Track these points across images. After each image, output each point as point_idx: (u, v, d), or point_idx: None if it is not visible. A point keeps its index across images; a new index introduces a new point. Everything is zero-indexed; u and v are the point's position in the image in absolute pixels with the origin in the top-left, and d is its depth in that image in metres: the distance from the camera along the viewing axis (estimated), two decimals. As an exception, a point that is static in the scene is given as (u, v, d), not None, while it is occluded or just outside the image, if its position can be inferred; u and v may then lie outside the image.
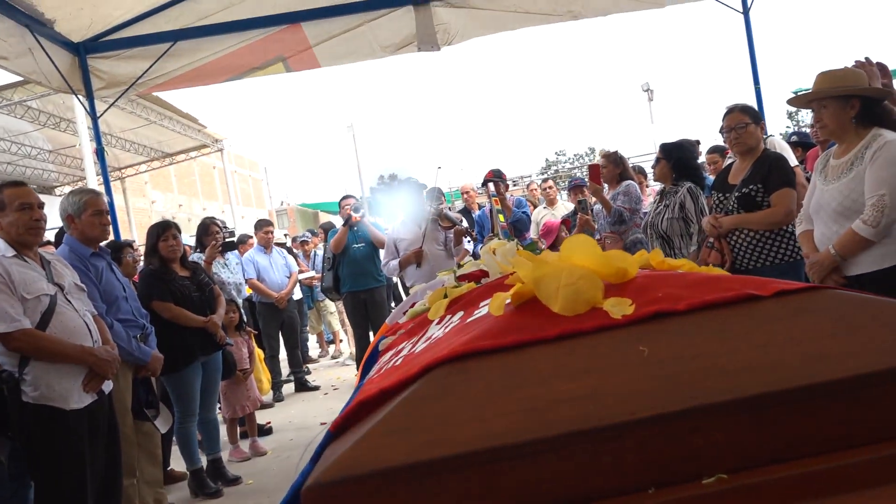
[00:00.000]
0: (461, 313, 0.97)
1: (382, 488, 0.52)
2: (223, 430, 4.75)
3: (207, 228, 5.60)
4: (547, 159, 48.30)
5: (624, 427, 0.52)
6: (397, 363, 0.90)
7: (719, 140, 5.78)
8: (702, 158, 8.16)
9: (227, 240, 6.11)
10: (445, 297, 1.13)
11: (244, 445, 4.91)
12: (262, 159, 38.38)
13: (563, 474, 0.52)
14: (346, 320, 7.87)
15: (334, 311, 8.59)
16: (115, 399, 3.08)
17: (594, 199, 5.40)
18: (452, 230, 5.46)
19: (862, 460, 0.50)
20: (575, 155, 44.92)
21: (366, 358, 1.38)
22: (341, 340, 9.37)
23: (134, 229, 18.77)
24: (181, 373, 3.99)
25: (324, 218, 23.09)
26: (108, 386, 2.86)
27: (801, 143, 6.19)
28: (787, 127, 38.37)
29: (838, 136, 2.68)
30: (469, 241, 5.89)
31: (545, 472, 0.52)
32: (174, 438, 4.44)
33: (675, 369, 0.57)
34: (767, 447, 0.52)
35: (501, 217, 5.32)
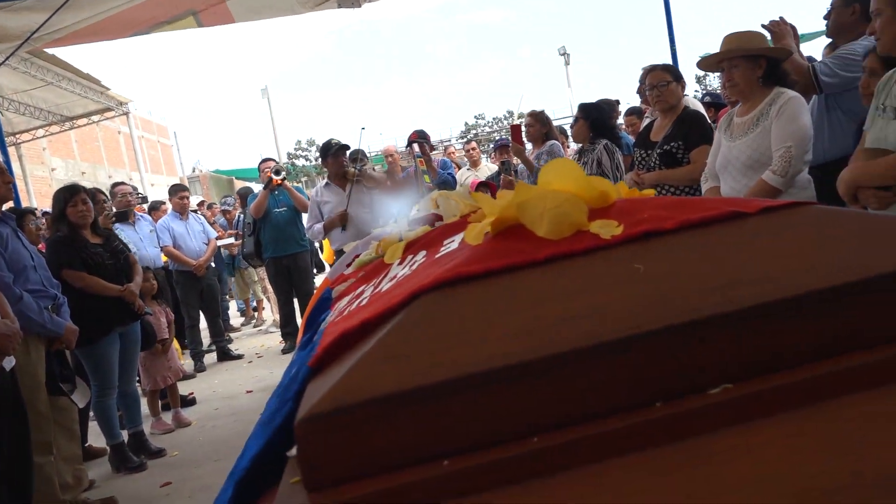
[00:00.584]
0: (424, 252, 0.93)
1: (382, 415, 0.49)
2: (144, 404, 4.58)
3: (94, 197, 5.21)
4: (466, 123, 48.38)
5: (631, 341, 0.51)
6: (363, 303, 0.86)
7: (636, 102, 5.91)
8: (620, 120, 8.35)
9: (119, 210, 5.80)
10: (401, 240, 1.09)
11: (167, 417, 4.75)
12: (171, 124, 36.65)
13: (569, 392, 0.50)
14: (269, 287, 7.68)
15: (257, 279, 8.36)
16: (26, 374, 2.89)
17: (518, 160, 5.44)
18: (378, 190, 5.38)
19: (856, 364, 0.50)
20: (494, 118, 45.15)
21: (309, 311, 1.33)
22: (263, 308, 9.17)
23: (33, 198, 17.57)
24: (97, 344, 3.79)
25: (239, 185, 22.37)
26: (8, 362, 2.66)
27: (713, 103, 6.41)
28: (696, 91, 39.87)
29: (746, 94, 2.78)
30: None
31: (552, 390, 0.50)
32: (91, 413, 4.24)
33: (672, 285, 0.56)
34: (768, 356, 0.52)
35: (427, 178, 5.29)
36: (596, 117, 4.10)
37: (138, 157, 20.05)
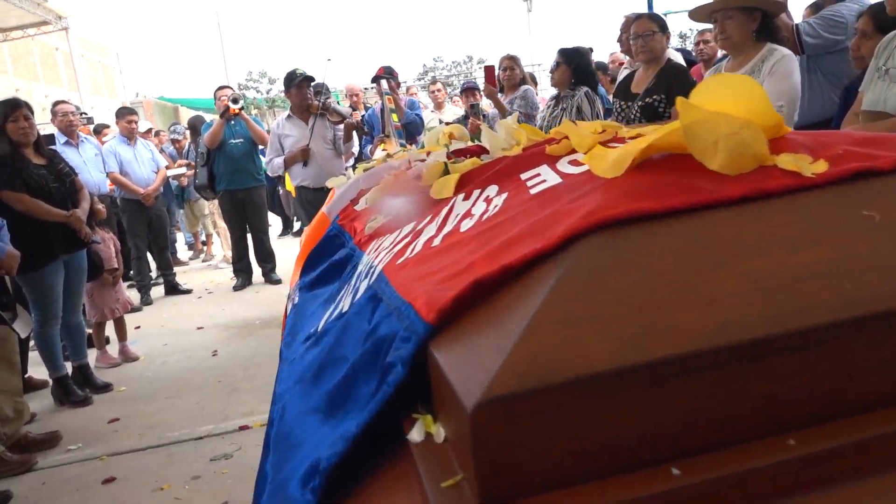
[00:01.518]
0: (496, 187, 0.80)
1: (589, 402, 0.36)
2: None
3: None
4: (424, 65, 47.37)
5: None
6: (438, 244, 0.71)
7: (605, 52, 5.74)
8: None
9: (63, 130, 5.43)
10: (447, 172, 0.96)
11: (112, 351, 4.56)
12: (113, 44, 34.73)
13: (828, 375, 0.39)
14: (219, 222, 7.42)
15: (208, 213, 8.06)
16: (-36, 299, 2.68)
17: (489, 104, 5.29)
18: (343, 125, 5.18)
19: None
20: (453, 62, 44.31)
21: (309, 249, 1.20)
22: (212, 243, 8.89)
23: (-40, 114, 16.46)
24: (40, 272, 3.57)
25: (186, 114, 21.57)
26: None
27: (685, 60, 6.37)
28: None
29: (740, 48, 2.71)
30: (356, 140, 5.63)
31: (805, 375, 0.38)
32: (32, 344, 4.03)
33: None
34: None
35: (395, 116, 5.11)
36: (578, 63, 3.98)
37: (78, 76, 18.92)
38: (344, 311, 0.73)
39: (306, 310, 0.92)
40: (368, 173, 1.34)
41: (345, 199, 1.30)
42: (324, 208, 1.44)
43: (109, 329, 4.59)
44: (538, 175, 0.75)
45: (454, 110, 7.73)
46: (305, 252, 1.24)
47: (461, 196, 0.84)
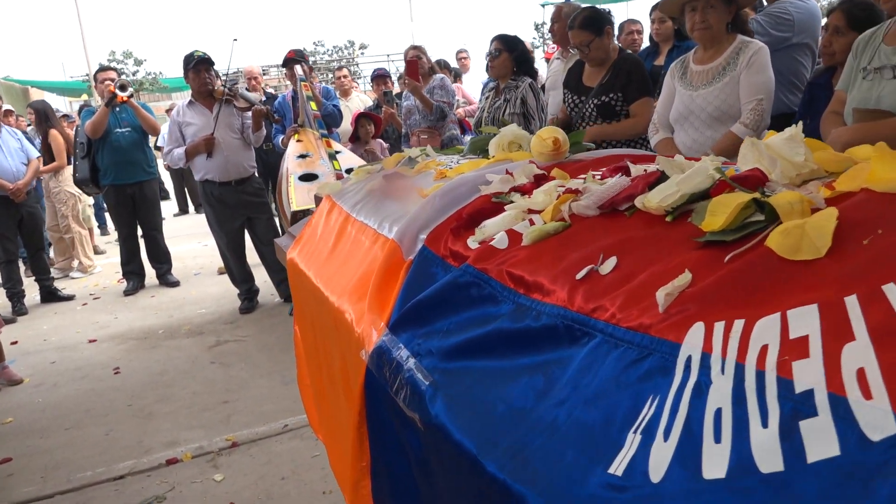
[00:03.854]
0: None
1: None
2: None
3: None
4: (304, 48, 45.85)
5: None
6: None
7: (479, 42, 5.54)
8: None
9: None
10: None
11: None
12: (-52, 16, 31.16)
13: None
14: (72, 224, 6.64)
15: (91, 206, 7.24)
16: None
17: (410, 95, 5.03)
18: (251, 112, 4.74)
19: None
20: (334, 47, 43.20)
21: (401, 284, 0.92)
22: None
23: None
24: None
25: (38, 96, 19.61)
26: None
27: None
28: (534, 38, 40.81)
29: (717, 39, 2.64)
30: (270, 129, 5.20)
31: None
32: None
33: None
34: None
35: (314, 105, 4.74)
36: (521, 51, 3.81)
37: None
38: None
39: (489, 385, 0.65)
40: (452, 189, 1.06)
41: (427, 223, 1.02)
42: (392, 233, 1.11)
43: (-18, 348, 3.95)
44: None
45: (361, 98, 7.40)
46: (380, 286, 0.96)
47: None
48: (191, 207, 10.83)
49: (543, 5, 20.23)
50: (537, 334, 0.65)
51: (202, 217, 9.87)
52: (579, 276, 0.67)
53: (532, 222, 0.86)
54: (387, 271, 1.02)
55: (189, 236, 8.02)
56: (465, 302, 0.79)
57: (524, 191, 0.98)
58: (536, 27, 37.51)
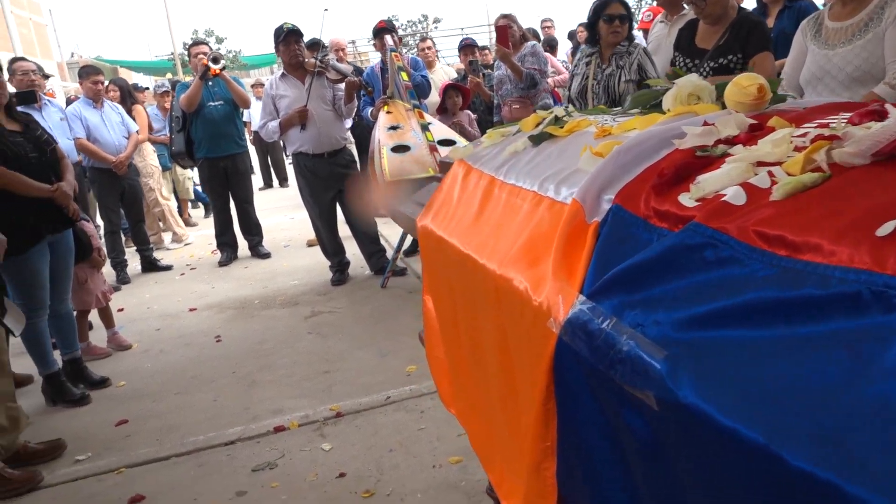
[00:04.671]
0: None
1: None
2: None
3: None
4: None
5: None
6: None
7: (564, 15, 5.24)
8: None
9: (25, 90, 4.80)
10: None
11: (97, 340, 4.09)
12: (45, 0, 32.69)
13: None
14: (160, 199, 6.82)
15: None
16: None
17: (499, 63, 4.89)
18: (344, 84, 4.72)
19: None
20: (408, 21, 43.06)
21: (595, 253, 0.84)
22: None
23: None
24: (24, 256, 3.10)
25: (126, 76, 20.33)
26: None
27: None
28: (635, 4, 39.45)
29: None
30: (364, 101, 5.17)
31: None
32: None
33: None
34: None
35: (405, 75, 4.67)
36: (631, 18, 3.57)
37: (12, 34, 17.53)
38: None
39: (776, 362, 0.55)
40: (637, 145, 0.97)
41: (610, 182, 0.93)
42: (561, 195, 1.03)
43: (92, 315, 4.12)
44: None
45: (445, 69, 7.30)
46: (565, 251, 0.87)
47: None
48: (275, 181, 11.03)
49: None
50: (827, 302, 0.55)
51: (287, 191, 10.15)
52: (881, 232, 0.56)
53: (772, 174, 0.75)
54: (569, 235, 0.93)
55: (276, 209, 8.16)
56: (697, 265, 0.69)
57: (738, 142, 0.87)
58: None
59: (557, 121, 1.39)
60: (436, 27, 35.43)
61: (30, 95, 4.57)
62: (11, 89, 4.83)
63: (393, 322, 3.99)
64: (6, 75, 5.03)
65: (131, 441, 2.91)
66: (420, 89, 4.92)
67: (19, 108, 3.39)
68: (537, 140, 1.34)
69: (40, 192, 3.14)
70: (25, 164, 3.13)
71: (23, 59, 5.34)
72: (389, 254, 5.13)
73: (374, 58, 9.55)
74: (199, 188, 8.21)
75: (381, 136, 4.57)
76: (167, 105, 7.00)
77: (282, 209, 8.29)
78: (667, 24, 4.00)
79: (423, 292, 1.58)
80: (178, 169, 7.54)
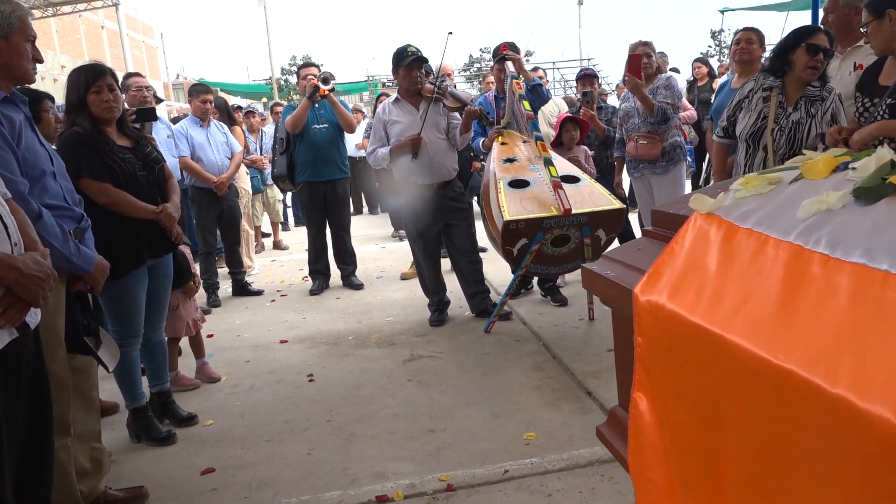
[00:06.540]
0: None
1: None
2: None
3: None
4: (471, 55, 46.51)
5: None
6: None
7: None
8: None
9: (144, 107, 4.69)
10: None
11: (185, 369, 3.86)
12: (157, 24, 34.60)
13: None
14: (244, 223, 6.63)
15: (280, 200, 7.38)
16: (44, 328, 1.97)
17: (634, 97, 4.44)
18: (464, 112, 4.40)
19: None
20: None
21: None
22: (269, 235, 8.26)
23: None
24: (123, 279, 2.87)
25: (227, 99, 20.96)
26: (34, 317, 1.76)
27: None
28: (709, 47, 38.42)
29: None
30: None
31: None
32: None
33: None
34: None
35: (527, 104, 4.32)
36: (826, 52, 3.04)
37: (126, 55, 18.41)
38: None
39: None
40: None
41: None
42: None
43: (182, 341, 3.90)
44: None
45: (557, 102, 6.94)
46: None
47: None
48: (365, 208, 10.90)
49: (722, 11, 18.69)
50: None
51: (377, 218, 9.96)
52: None
53: None
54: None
55: (366, 238, 7.93)
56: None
57: None
58: (713, 35, 35.27)
59: (895, 167, 0.97)
60: (528, 60, 35.30)
61: (150, 113, 4.47)
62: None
63: (502, 376, 3.58)
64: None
65: (218, 496, 2.60)
66: (537, 94, 4.51)
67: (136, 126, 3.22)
68: (874, 195, 0.93)
69: (145, 213, 2.93)
70: (133, 183, 2.93)
71: (137, 74, 5.31)
72: (492, 295, 4.74)
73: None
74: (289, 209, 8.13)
75: (497, 170, 4.22)
76: (253, 125, 6.96)
77: (373, 238, 8.07)
78: (840, 57, 3.48)
79: (635, 388, 1.17)
80: (269, 192, 7.44)
